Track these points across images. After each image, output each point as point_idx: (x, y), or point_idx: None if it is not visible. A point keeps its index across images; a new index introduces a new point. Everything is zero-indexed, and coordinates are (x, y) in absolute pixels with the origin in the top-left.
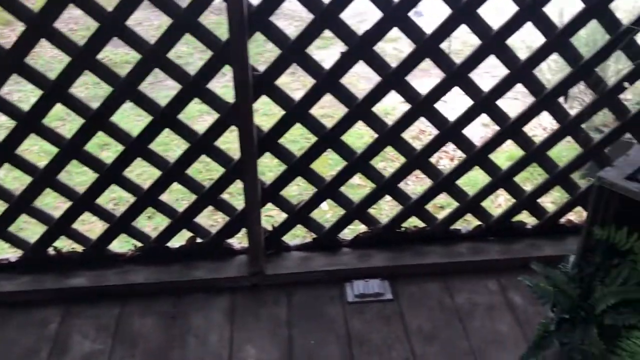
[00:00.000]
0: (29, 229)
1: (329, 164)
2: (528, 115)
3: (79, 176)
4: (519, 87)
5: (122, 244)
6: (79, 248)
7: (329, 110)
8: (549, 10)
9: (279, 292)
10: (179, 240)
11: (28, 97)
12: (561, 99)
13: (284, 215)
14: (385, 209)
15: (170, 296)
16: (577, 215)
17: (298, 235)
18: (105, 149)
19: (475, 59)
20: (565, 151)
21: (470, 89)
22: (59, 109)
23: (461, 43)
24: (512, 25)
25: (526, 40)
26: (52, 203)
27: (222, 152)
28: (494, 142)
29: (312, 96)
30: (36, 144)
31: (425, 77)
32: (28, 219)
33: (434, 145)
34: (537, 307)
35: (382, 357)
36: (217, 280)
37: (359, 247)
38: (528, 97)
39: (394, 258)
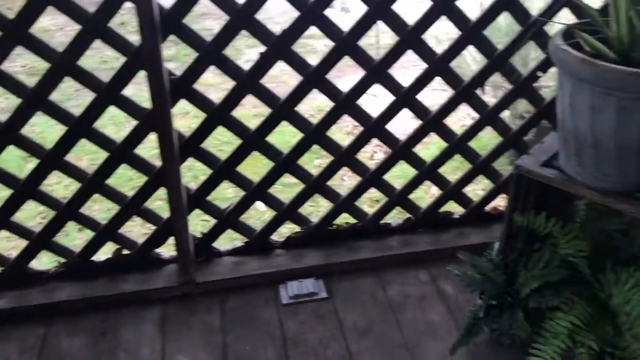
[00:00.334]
0: None
1: (263, 165)
2: (448, 107)
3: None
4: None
5: (51, 260)
6: None
7: (262, 109)
8: (469, 1)
9: (212, 299)
10: (106, 252)
11: None
12: (479, 91)
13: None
14: (324, 206)
15: (98, 312)
16: (504, 202)
17: (236, 239)
18: (30, 161)
19: (393, 54)
20: (494, 139)
21: (391, 84)
22: None
23: (390, 38)
24: (427, 20)
25: (450, 33)
26: None
27: (142, 160)
28: (418, 136)
29: (233, 98)
30: None
31: (352, 75)
32: None
33: (360, 142)
34: (467, 295)
35: (318, 356)
36: (147, 291)
37: (292, 248)
38: None
39: (327, 256)
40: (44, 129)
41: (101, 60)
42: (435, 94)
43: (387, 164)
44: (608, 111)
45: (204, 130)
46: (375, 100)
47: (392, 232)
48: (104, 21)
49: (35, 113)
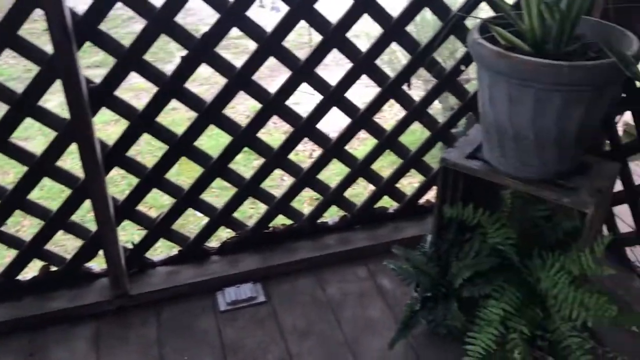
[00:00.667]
0: None
1: (198, 170)
2: (376, 104)
3: None
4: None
5: None
6: None
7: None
8: None
9: (147, 311)
10: (35, 270)
11: None
12: (405, 86)
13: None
14: (264, 208)
15: (26, 332)
16: None
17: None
18: None
19: (318, 53)
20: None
21: (319, 83)
22: None
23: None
24: (349, 18)
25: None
26: None
27: (65, 172)
28: (348, 134)
29: (156, 104)
30: None
31: (286, 75)
32: None
33: (291, 142)
34: (404, 289)
35: None
36: (78, 308)
37: (228, 253)
38: None
39: (264, 259)
40: None
41: (25, 69)
42: (369, 91)
43: (320, 164)
44: (525, 102)
45: (128, 139)
46: (314, 99)
47: (329, 230)
48: (13, 29)
49: None
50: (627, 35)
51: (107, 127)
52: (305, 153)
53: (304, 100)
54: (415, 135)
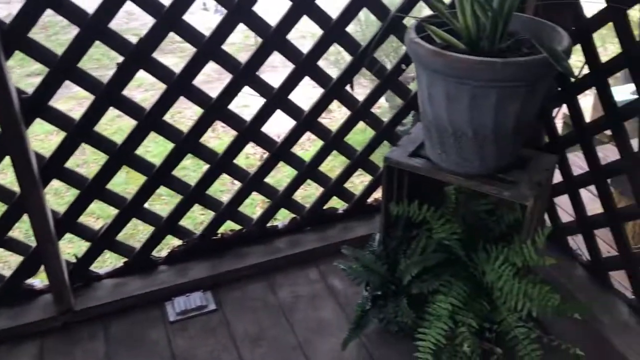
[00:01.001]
0: None
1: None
2: (320, 106)
3: None
4: None
5: None
6: None
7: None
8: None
9: (94, 325)
10: None
11: None
12: (348, 87)
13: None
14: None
15: None
16: None
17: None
18: None
19: (258, 56)
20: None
21: (261, 87)
22: None
23: None
24: (288, 21)
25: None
26: None
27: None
28: (293, 136)
29: (93, 113)
30: None
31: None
32: None
33: (235, 146)
34: (355, 289)
35: None
36: (21, 327)
37: (177, 262)
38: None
39: (213, 266)
40: None
41: None
42: (318, 91)
43: (266, 167)
44: (462, 100)
45: (65, 149)
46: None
47: (279, 234)
48: None
49: None
50: (557, 31)
51: (51, 136)
52: (256, 156)
53: (253, 103)
54: (365, 134)
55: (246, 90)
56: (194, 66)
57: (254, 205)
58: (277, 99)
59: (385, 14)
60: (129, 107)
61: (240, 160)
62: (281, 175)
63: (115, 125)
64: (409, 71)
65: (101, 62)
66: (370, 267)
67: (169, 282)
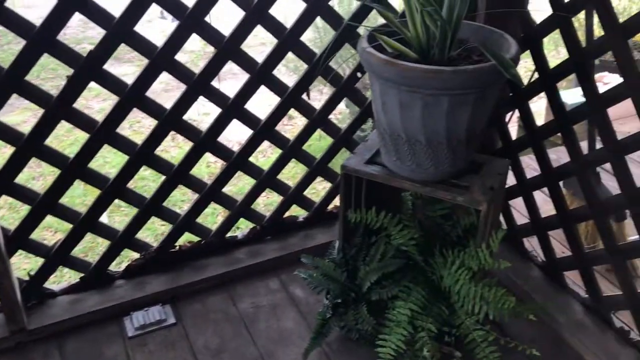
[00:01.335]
0: None
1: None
2: (277, 115)
3: None
4: None
5: None
6: None
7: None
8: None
9: (49, 344)
10: None
11: None
12: (304, 96)
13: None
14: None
15: None
16: None
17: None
18: None
19: (212, 66)
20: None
21: (216, 97)
22: None
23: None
24: (242, 30)
25: None
26: None
27: None
28: (251, 145)
29: (43, 126)
30: None
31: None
32: None
33: (192, 157)
34: (317, 297)
35: None
36: None
37: (134, 276)
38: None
39: (172, 279)
40: None
41: None
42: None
43: (224, 177)
44: (415, 108)
45: (14, 165)
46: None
47: (239, 244)
48: None
49: None
50: (506, 39)
51: (4, 149)
52: (218, 164)
53: (214, 110)
54: (327, 141)
55: (203, 99)
56: (146, 77)
57: (215, 215)
58: (233, 108)
59: (339, 23)
60: (81, 120)
61: (202, 169)
62: (243, 183)
63: (73, 136)
64: (366, 78)
65: (57, 71)
66: (330, 275)
67: (127, 297)
